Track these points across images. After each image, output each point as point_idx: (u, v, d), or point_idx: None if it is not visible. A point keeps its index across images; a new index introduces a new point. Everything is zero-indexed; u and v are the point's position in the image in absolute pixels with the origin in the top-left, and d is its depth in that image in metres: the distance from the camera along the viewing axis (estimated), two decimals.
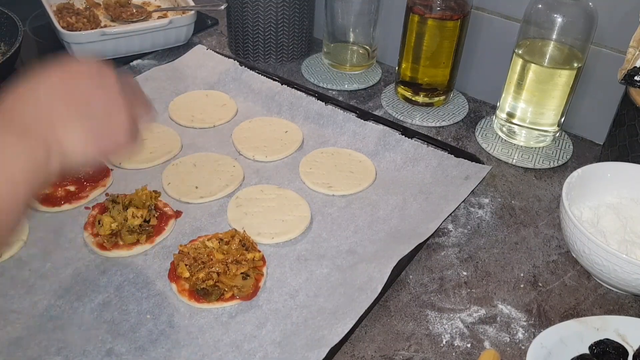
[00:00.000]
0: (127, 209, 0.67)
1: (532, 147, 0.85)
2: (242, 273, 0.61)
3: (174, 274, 0.62)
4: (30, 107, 0.50)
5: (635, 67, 0.72)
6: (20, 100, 0.51)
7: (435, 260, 0.68)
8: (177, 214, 0.71)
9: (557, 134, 0.86)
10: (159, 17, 1.05)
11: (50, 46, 1.04)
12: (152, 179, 0.76)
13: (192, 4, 1.06)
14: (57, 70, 0.52)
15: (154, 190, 0.70)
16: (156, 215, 0.68)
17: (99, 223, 0.66)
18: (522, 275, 0.67)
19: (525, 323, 0.61)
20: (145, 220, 0.67)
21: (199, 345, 0.57)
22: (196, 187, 0.74)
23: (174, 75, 0.95)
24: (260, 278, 0.63)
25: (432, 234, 0.67)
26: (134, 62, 1.00)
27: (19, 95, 0.51)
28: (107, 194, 0.71)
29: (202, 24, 1.12)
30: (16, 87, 0.52)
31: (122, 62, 0.99)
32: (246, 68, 0.95)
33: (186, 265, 0.62)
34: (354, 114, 0.87)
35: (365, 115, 0.87)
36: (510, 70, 0.82)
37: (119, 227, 0.65)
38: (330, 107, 0.87)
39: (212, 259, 0.62)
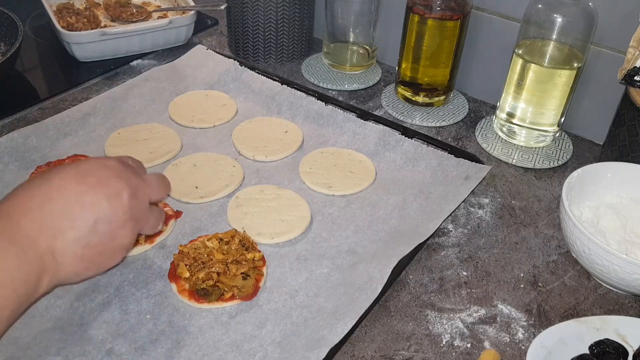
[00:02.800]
0: None
1: (532, 147, 0.85)
2: (242, 273, 0.61)
3: (174, 274, 0.62)
4: (27, 208, 0.47)
5: (635, 67, 0.72)
6: (19, 197, 0.48)
7: (435, 260, 0.68)
8: (177, 214, 0.71)
9: (557, 134, 0.86)
10: (159, 17, 1.05)
11: (50, 46, 1.04)
12: None
13: (192, 4, 1.06)
14: (69, 170, 0.50)
15: None
16: None
17: None
18: (522, 275, 0.67)
19: (525, 323, 0.61)
20: None
21: (199, 345, 0.57)
22: (196, 187, 0.74)
23: (174, 75, 0.95)
24: (260, 278, 0.63)
25: (432, 234, 0.67)
26: (134, 62, 1.00)
27: (20, 190, 0.49)
28: None
29: (202, 24, 1.12)
30: (31, 181, 0.50)
31: (122, 62, 0.99)
32: (246, 68, 0.95)
33: (186, 265, 0.62)
34: (354, 114, 0.87)
35: (365, 115, 0.87)
36: (510, 70, 0.82)
37: None
38: (330, 107, 0.87)
39: (212, 259, 0.62)
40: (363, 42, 1.00)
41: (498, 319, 0.62)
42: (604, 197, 0.70)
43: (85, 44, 0.95)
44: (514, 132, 0.85)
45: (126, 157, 0.58)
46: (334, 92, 0.97)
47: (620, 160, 0.74)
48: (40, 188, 0.49)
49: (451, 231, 0.72)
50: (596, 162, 0.71)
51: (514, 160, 0.83)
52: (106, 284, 0.62)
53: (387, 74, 1.02)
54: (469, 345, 0.59)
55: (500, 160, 0.83)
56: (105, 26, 1.03)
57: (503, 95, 0.85)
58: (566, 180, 0.67)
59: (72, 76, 0.96)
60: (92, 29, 1.00)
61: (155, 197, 0.57)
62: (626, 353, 0.55)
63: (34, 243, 0.47)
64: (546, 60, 0.79)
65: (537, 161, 0.83)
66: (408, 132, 0.84)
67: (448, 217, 0.71)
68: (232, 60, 0.96)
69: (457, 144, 0.86)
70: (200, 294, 0.60)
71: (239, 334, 0.58)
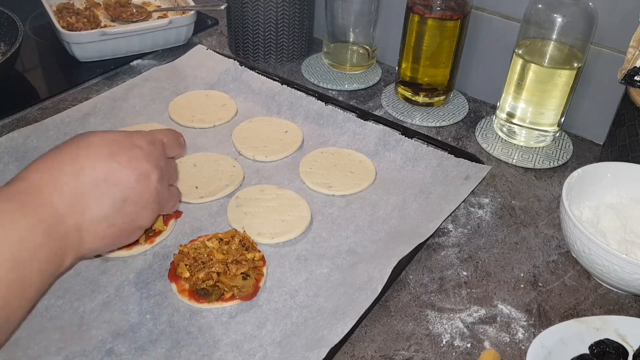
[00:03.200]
0: None
1: (532, 147, 0.85)
2: (242, 273, 0.61)
3: (174, 274, 0.62)
4: (57, 183, 0.47)
5: (635, 67, 0.72)
6: (48, 171, 0.47)
7: (435, 260, 0.68)
8: (177, 214, 0.71)
9: (557, 134, 0.86)
10: (159, 17, 1.05)
11: (50, 46, 1.04)
12: None
13: (192, 4, 1.06)
14: (99, 144, 0.49)
15: None
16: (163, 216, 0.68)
17: None
18: (522, 275, 0.67)
19: (525, 323, 0.61)
20: None
21: (199, 345, 0.56)
22: (196, 187, 0.74)
23: (174, 75, 0.95)
24: (260, 278, 0.63)
25: (432, 234, 0.67)
26: (134, 62, 1.00)
27: (48, 162, 0.48)
28: None
29: (202, 24, 1.12)
30: (50, 150, 0.49)
31: (122, 62, 0.99)
32: (246, 68, 0.95)
33: (186, 265, 0.62)
34: (354, 114, 0.87)
35: (365, 115, 0.87)
36: (510, 70, 0.82)
37: None
38: (330, 107, 0.87)
39: (212, 259, 0.62)
40: (363, 42, 1.00)
41: (498, 319, 0.62)
42: (604, 197, 0.70)
43: (85, 44, 0.95)
44: (514, 132, 0.85)
45: (160, 131, 0.58)
46: (334, 92, 0.97)
47: (620, 160, 0.74)
48: (72, 161, 0.48)
49: (451, 231, 0.72)
50: (596, 162, 0.71)
51: (514, 160, 0.83)
52: (106, 284, 0.62)
53: (387, 74, 1.02)
54: (469, 345, 0.59)
55: (500, 160, 0.83)
56: (105, 26, 1.03)
57: (503, 95, 0.85)
58: (566, 180, 0.67)
59: (72, 76, 0.96)
60: (92, 29, 1.00)
61: (174, 180, 0.59)
62: (626, 353, 0.55)
63: (62, 220, 0.46)
64: (546, 60, 0.79)
65: (537, 161, 0.83)
66: (408, 132, 0.84)
67: (448, 217, 0.71)
68: (232, 60, 0.96)
69: (457, 144, 0.86)
70: (200, 294, 0.60)
71: (239, 334, 0.58)
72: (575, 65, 0.78)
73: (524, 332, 0.60)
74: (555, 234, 0.72)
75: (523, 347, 0.59)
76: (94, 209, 0.48)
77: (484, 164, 0.78)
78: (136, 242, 0.66)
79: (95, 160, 0.49)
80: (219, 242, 0.65)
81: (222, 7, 1.02)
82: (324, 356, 0.53)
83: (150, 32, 0.99)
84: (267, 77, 0.93)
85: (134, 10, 1.08)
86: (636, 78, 0.72)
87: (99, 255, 0.63)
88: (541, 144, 0.85)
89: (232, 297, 0.60)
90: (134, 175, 0.50)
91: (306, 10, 1.01)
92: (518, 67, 0.80)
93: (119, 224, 0.51)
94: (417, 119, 0.90)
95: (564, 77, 0.79)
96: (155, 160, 0.53)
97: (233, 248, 0.64)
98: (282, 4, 0.97)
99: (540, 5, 0.76)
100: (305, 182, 0.77)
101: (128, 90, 0.89)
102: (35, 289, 0.45)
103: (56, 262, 0.46)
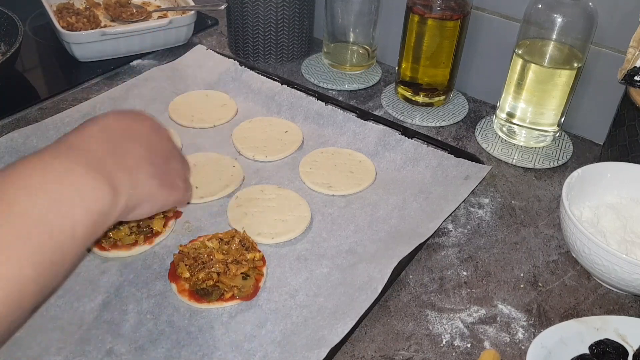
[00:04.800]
0: None
1: (532, 147, 0.85)
2: (242, 273, 0.61)
3: (174, 274, 0.62)
4: (90, 139, 0.49)
5: (635, 67, 0.72)
6: (76, 135, 0.49)
7: (435, 260, 0.68)
8: (177, 214, 0.71)
9: (557, 134, 0.86)
10: (159, 17, 1.05)
11: (50, 46, 1.04)
12: None
13: (192, 4, 1.06)
14: (120, 116, 0.53)
15: None
16: (162, 217, 0.68)
17: None
18: (522, 275, 0.67)
19: (525, 323, 0.61)
20: (146, 227, 0.67)
21: (199, 345, 0.57)
22: (196, 187, 0.74)
23: (174, 75, 0.95)
24: (260, 278, 0.63)
25: (432, 234, 0.67)
26: (134, 62, 1.00)
27: (71, 134, 0.50)
28: None
29: (202, 24, 1.12)
30: (81, 125, 0.51)
31: (122, 62, 0.99)
32: (246, 68, 0.95)
33: (186, 265, 0.62)
34: (354, 114, 0.87)
35: (365, 115, 0.87)
36: (510, 70, 0.82)
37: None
38: (330, 107, 0.87)
39: (212, 259, 0.62)
40: (363, 42, 1.00)
41: (498, 319, 0.62)
42: (604, 197, 0.70)
43: (85, 44, 0.95)
44: (514, 132, 0.85)
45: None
46: (334, 92, 0.97)
47: (620, 160, 0.74)
48: (93, 126, 0.51)
49: (451, 231, 0.72)
50: (596, 162, 0.71)
51: (514, 160, 0.83)
52: (106, 284, 0.62)
53: (387, 74, 1.02)
54: (469, 345, 0.59)
55: (500, 160, 0.83)
56: (105, 26, 1.03)
57: (503, 95, 0.85)
58: (566, 180, 0.67)
59: (72, 76, 0.96)
60: (92, 29, 1.00)
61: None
62: (626, 353, 0.55)
63: (106, 163, 0.48)
64: (546, 60, 0.79)
65: (537, 161, 0.83)
66: (408, 132, 0.84)
67: (448, 217, 0.71)
68: (232, 60, 0.96)
69: (457, 144, 0.86)
70: (200, 294, 0.60)
71: (239, 334, 0.58)
72: (575, 65, 0.78)
73: (524, 332, 0.60)
74: (555, 234, 0.72)
75: (523, 347, 0.59)
76: (128, 158, 0.51)
77: (484, 164, 0.78)
78: (135, 242, 0.66)
79: (113, 120, 0.53)
80: (219, 242, 0.64)
81: (222, 7, 1.02)
82: (324, 356, 0.53)
83: (150, 32, 0.99)
84: (267, 77, 0.93)
85: (134, 10, 1.08)
86: (636, 78, 0.72)
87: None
88: (541, 144, 0.85)
89: (232, 297, 0.60)
90: (149, 128, 0.55)
91: (306, 10, 1.01)
92: (518, 67, 0.80)
93: (155, 173, 0.53)
94: (417, 119, 0.90)
95: (564, 77, 0.79)
96: (157, 121, 0.58)
97: (233, 248, 0.64)
98: (282, 4, 0.97)
99: (540, 5, 0.76)
100: (305, 182, 0.77)
101: (128, 90, 0.89)
102: (85, 227, 0.46)
103: (106, 201, 0.47)
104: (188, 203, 0.71)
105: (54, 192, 0.44)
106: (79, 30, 0.98)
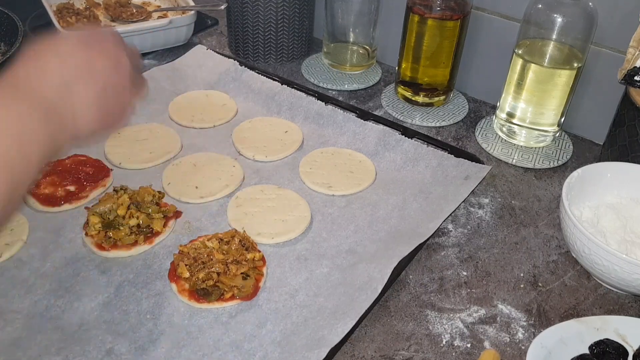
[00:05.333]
0: (129, 207, 0.67)
1: (532, 147, 0.85)
2: (242, 273, 0.61)
3: (174, 274, 0.62)
4: (44, 73, 0.50)
5: (635, 67, 0.72)
6: (33, 65, 0.50)
7: (435, 260, 0.68)
8: (177, 214, 0.71)
9: (557, 134, 0.86)
10: (159, 17, 1.05)
11: None
12: (152, 179, 0.76)
13: (192, 4, 1.06)
14: (72, 39, 0.53)
15: (158, 191, 0.71)
16: (162, 217, 0.68)
17: (87, 223, 0.66)
18: (522, 275, 0.67)
19: (525, 323, 0.61)
20: (146, 227, 0.67)
21: (199, 345, 0.56)
22: (196, 187, 0.74)
23: (174, 75, 0.95)
24: (260, 278, 0.63)
25: (432, 234, 0.67)
26: None
27: (31, 59, 0.51)
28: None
29: (202, 24, 1.12)
30: (27, 51, 0.51)
31: None
32: (246, 68, 0.95)
33: (186, 265, 0.62)
34: (354, 114, 0.87)
35: (365, 115, 0.87)
36: (510, 70, 0.82)
37: (109, 223, 0.66)
38: (330, 107, 0.87)
39: (212, 259, 0.62)
40: (363, 42, 1.00)
41: (498, 319, 0.62)
42: (604, 197, 0.70)
43: None
44: (514, 132, 0.85)
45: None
46: (334, 92, 0.97)
47: (620, 160, 0.74)
48: (54, 53, 0.52)
49: (451, 231, 0.72)
50: (596, 162, 0.71)
51: (514, 160, 0.83)
52: (106, 284, 0.62)
53: (387, 74, 1.02)
54: (469, 345, 0.59)
55: (500, 160, 0.83)
56: (105, 26, 1.03)
57: (503, 95, 0.85)
58: (566, 180, 0.67)
59: None
60: None
61: (139, 68, 0.62)
62: (626, 353, 0.55)
63: (55, 105, 0.49)
64: (546, 60, 0.79)
65: (537, 161, 0.83)
66: (408, 132, 0.84)
67: (448, 217, 0.71)
68: (232, 60, 0.96)
69: (457, 144, 0.86)
70: (200, 294, 0.60)
71: (239, 334, 0.58)
72: (575, 65, 0.78)
73: (524, 332, 0.60)
74: (555, 234, 0.72)
75: (523, 347, 0.59)
76: (82, 95, 0.52)
77: (484, 164, 0.78)
78: (135, 243, 0.66)
79: (75, 51, 0.53)
80: (219, 242, 0.64)
81: (222, 7, 1.02)
82: (324, 356, 0.53)
83: (150, 32, 0.99)
84: (267, 77, 0.93)
85: (134, 10, 1.08)
86: (636, 78, 0.72)
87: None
88: (541, 144, 0.85)
89: (232, 297, 0.60)
90: (110, 63, 0.54)
91: (306, 10, 1.01)
92: (518, 67, 0.80)
93: (106, 107, 0.54)
94: (417, 119, 0.90)
95: (564, 77, 0.79)
96: (122, 47, 0.57)
97: (233, 248, 0.64)
98: (282, 4, 0.97)
99: (540, 5, 0.76)
100: (305, 182, 0.77)
101: None
102: (36, 167, 0.48)
103: (53, 144, 0.49)
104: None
105: (16, 136, 0.46)
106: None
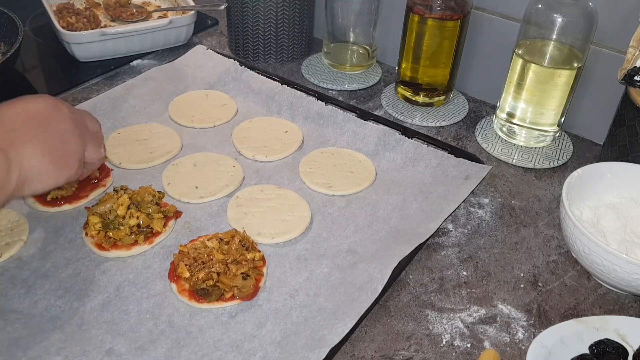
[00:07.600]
0: (129, 207, 0.67)
1: (532, 147, 0.85)
2: (242, 273, 0.61)
3: (174, 274, 0.62)
4: (1, 127, 0.53)
5: (635, 67, 0.72)
6: None
7: (435, 260, 0.68)
8: (177, 214, 0.71)
9: (557, 134, 0.86)
10: (159, 17, 1.05)
11: (50, 46, 1.04)
12: (152, 179, 0.76)
13: (192, 4, 1.06)
14: (16, 102, 0.57)
15: (158, 191, 0.71)
16: (162, 217, 0.68)
17: (87, 223, 0.66)
18: (522, 275, 0.67)
19: (525, 323, 0.61)
20: (146, 227, 0.67)
21: (199, 345, 0.56)
22: (196, 187, 0.74)
23: (174, 75, 0.95)
24: (260, 278, 0.63)
25: (432, 234, 0.67)
26: (134, 62, 1.00)
27: None
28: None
29: (202, 24, 1.12)
30: None
31: (122, 62, 0.99)
32: (246, 68, 0.95)
33: (186, 265, 0.62)
34: (354, 114, 0.87)
35: (365, 115, 0.87)
36: (510, 70, 0.82)
37: (109, 223, 0.65)
38: (330, 107, 0.87)
39: (212, 259, 0.62)
40: (363, 42, 1.00)
41: (498, 319, 0.62)
42: (604, 197, 0.70)
43: (85, 44, 0.95)
44: (514, 132, 0.85)
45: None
46: (334, 92, 0.97)
47: (620, 160, 0.74)
48: None
49: (451, 231, 0.72)
50: (596, 162, 0.71)
51: (514, 160, 0.83)
52: (106, 284, 0.62)
53: (387, 74, 1.02)
54: (469, 345, 0.59)
55: (500, 160, 0.83)
56: (105, 26, 1.03)
57: (503, 95, 0.85)
58: (566, 180, 0.67)
59: (72, 76, 0.96)
60: (92, 29, 1.00)
61: (96, 128, 0.65)
62: (626, 353, 0.55)
63: (3, 151, 0.52)
64: (546, 60, 0.79)
65: (537, 161, 0.83)
66: (408, 132, 0.84)
67: (448, 217, 0.71)
68: (232, 60, 0.96)
69: (457, 144, 0.86)
70: (200, 294, 0.60)
71: (239, 334, 0.58)
72: (575, 65, 0.78)
73: (524, 332, 0.60)
74: (555, 234, 0.72)
75: (523, 347, 0.59)
76: (22, 138, 0.54)
77: (484, 164, 0.78)
78: (135, 243, 0.66)
79: (12, 105, 0.56)
80: (219, 242, 0.64)
81: (222, 7, 1.02)
82: (324, 356, 0.53)
83: (150, 32, 0.99)
84: (267, 77, 0.93)
85: (134, 10, 1.08)
86: (636, 78, 0.72)
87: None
88: (541, 144, 0.85)
89: (232, 297, 0.60)
90: (46, 106, 0.58)
91: (306, 10, 1.01)
92: (518, 67, 0.80)
93: (47, 151, 0.56)
94: (417, 119, 0.90)
95: (564, 77, 0.79)
96: (61, 103, 0.60)
97: (233, 248, 0.64)
98: (282, 4, 0.97)
99: (540, 5, 0.76)
100: (305, 182, 0.77)
101: (128, 90, 0.89)
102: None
103: (2, 175, 0.52)
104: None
105: None
106: (79, 30, 0.98)
